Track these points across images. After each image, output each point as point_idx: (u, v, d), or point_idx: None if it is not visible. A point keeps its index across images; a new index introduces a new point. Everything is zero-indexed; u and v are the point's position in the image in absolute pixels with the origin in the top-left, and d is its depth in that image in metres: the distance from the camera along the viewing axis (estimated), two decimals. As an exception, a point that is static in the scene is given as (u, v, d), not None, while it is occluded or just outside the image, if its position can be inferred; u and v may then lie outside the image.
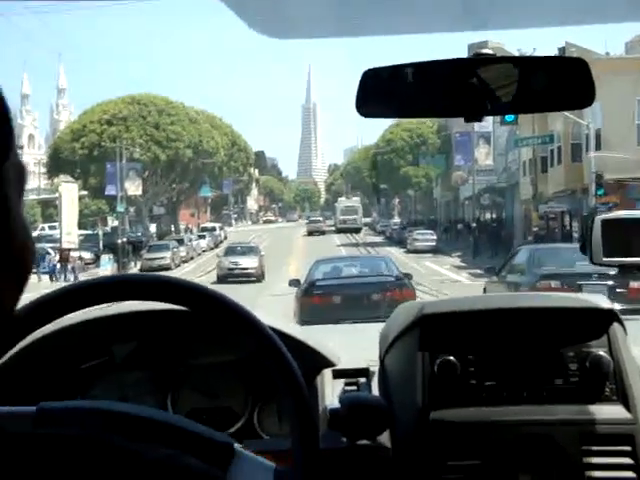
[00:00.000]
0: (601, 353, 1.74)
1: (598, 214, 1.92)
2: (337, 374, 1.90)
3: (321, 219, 76.24)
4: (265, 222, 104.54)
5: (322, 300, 11.92)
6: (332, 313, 10.78)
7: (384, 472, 1.70)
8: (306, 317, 11.12)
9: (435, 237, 46.98)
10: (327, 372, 1.89)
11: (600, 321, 1.79)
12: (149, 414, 1.13)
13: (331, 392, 1.84)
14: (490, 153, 45.55)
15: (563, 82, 1.47)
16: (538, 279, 12.22)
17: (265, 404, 1.95)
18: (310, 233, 65.06)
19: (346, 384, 1.89)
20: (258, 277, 30.94)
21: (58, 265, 35.28)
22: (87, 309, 1.13)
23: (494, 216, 46.12)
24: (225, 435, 1.16)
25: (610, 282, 11.58)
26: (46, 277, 32.71)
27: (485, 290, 14.67)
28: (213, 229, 60.59)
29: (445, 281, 26.94)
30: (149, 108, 51.27)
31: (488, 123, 42.35)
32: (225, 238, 61.84)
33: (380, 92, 1.50)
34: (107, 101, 52.90)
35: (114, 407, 1.15)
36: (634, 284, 11.93)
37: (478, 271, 24.41)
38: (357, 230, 65.51)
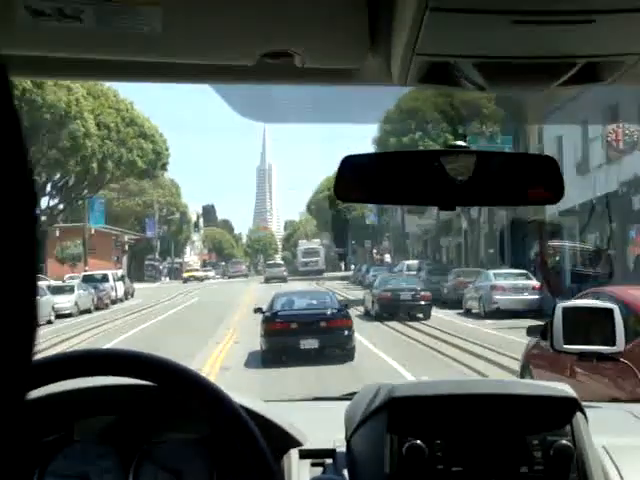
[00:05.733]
0: (564, 442, 1.78)
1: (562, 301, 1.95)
2: (303, 454, 1.89)
3: (282, 263, 64.73)
4: (185, 281, 65.19)
5: (282, 326, 15.37)
6: (290, 335, 15.16)
7: None
8: (269, 338, 15.43)
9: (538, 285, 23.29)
10: (294, 452, 1.87)
11: (563, 410, 1.83)
12: None
13: (297, 473, 1.83)
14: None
15: (534, 178, 1.55)
16: (382, 291, 25.45)
17: None
18: (268, 280, 55.01)
19: (312, 464, 1.89)
20: None
21: None
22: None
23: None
24: None
25: (413, 292, 25.39)
26: None
27: (364, 297, 28.13)
28: (104, 279, 37.99)
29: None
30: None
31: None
32: (127, 297, 39.53)
33: (357, 178, 1.55)
34: None
35: None
36: (425, 294, 25.58)
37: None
38: (320, 272, 65.69)
